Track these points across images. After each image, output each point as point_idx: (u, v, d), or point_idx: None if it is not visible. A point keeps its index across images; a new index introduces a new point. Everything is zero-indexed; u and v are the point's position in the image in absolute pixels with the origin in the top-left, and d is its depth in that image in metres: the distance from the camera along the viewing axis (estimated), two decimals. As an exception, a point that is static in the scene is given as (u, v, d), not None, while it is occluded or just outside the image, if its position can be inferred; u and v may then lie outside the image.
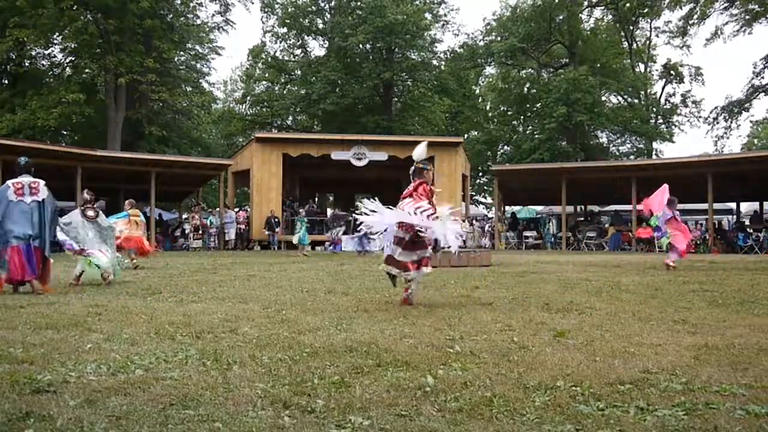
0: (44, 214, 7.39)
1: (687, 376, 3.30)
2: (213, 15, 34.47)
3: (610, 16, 39.29)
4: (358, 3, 35.36)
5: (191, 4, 32.74)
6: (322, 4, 37.49)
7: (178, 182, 26.00)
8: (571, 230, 25.61)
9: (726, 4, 33.05)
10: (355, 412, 2.68)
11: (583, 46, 37.83)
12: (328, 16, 37.65)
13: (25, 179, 7.46)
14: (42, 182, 7.54)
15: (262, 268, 12.26)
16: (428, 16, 36.45)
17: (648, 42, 41.30)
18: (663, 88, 40.54)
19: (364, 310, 5.90)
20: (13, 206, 7.29)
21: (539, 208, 33.41)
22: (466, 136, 39.87)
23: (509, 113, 42.41)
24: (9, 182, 7.54)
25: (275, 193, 23.52)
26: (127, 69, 27.04)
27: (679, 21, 36.90)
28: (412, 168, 6.66)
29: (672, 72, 39.42)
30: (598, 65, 36.91)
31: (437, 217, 6.21)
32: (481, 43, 39.22)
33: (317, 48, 40.99)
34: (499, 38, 38.13)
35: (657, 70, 41.37)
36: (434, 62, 37.64)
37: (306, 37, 39.26)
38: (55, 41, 30.46)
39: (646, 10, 37.71)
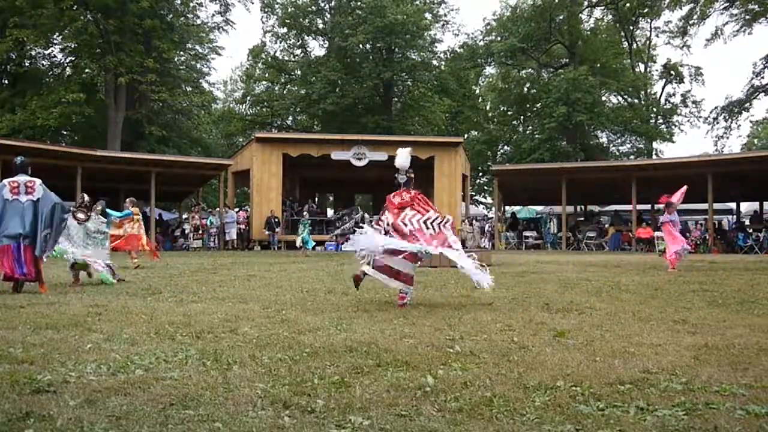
0: (39, 214, 7.36)
1: (687, 376, 3.30)
2: (213, 15, 34.53)
3: (610, 16, 39.28)
4: (358, 3, 35.36)
5: (191, 4, 32.75)
6: (322, 4, 37.49)
7: (178, 182, 25.99)
8: (571, 230, 25.60)
9: (726, 4, 33.06)
10: (355, 412, 2.68)
11: (583, 46, 37.83)
12: (328, 16, 37.65)
13: (22, 178, 7.46)
14: (38, 181, 7.53)
15: (262, 268, 12.26)
16: (428, 16, 36.44)
17: (648, 42, 41.30)
18: (663, 88, 40.57)
19: (364, 310, 5.90)
20: (7, 205, 7.30)
21: (539, 208, 33.42)
22: (466, 136, 39.87)
23: (509, 113, 42.40)
24: (5, 181, 7.55)
25: (275, 193, 23.51)
26: (127, 69, 27.04)
27: (679, 21, 36.96)
28: (403, 177, 6.57)
29: (672, 72, 39.41)
30: (598, 65, 36.90)
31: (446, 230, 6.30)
32: (481, 43, 39.21)
33: (317, 48, 41.10)
34: (499, 38, 38.13)
35: (657, 70, 41.43)
36: (434, 62, 37.63)
37: (306, 37, 39.27)
38: (55, 41, 30.47)
39: (646, 10, 37.70)
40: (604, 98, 38.39)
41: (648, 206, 26.30)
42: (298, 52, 40.07)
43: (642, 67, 40.77)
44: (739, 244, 21.62)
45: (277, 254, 20.02)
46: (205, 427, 2.50)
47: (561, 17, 37.02)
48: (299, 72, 38.44)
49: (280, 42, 39.27)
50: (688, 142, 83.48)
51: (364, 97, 34.88)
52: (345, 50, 34.21)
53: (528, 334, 4.57)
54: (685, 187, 12.14)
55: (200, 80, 35.91)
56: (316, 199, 28.56)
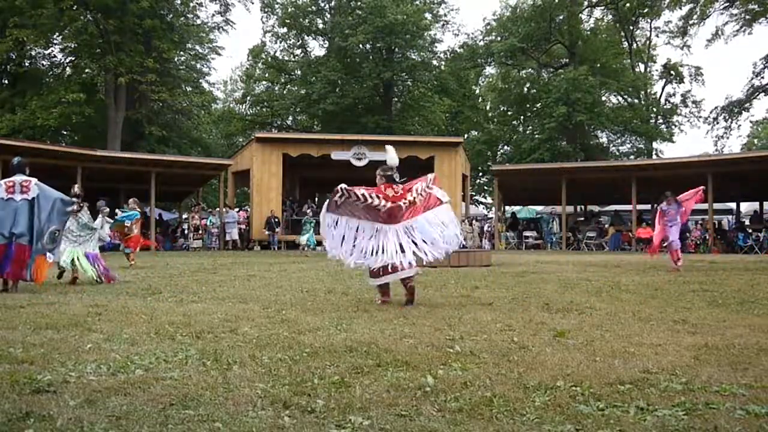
0: (36, 212, 7.37)
1: (687, 376, 3.30)
2: (213, 15, 34.51)
3: (610, 16, 39.28)
4: (358, 3, 35.36)
5: (191, 4, 32.75)
6: (322, 4, 37.49)
7: (178, 182, 25.99)
8: (571, 230, 25.61)
9: (726, 4, 33.06)
10: (355, 412, 2.68)
11: (583, 46, 37.83)
12: (328, 16, 37.66)
13: (18, 178, 7.49)
14: (34, 180, 7.55)
15: (262, 268, 12.26)
16: (428, 16, 36.45)
17: (648, 42, 41.30)
18: (663, 88, 40.58)
19: (364, 310, 5.90)
20: (2, 204, 7.33)
21: (539, 208, 33.42)
22: (466, 136, 39.87)
23: (509, 113, 42.40)
24: (1, 181, 7.60)
25: (275, 193, 23.50)
26: (127, 69, 27.04)
27: (678, 21, 36.97)
28: (391, 174, 6.45)
29: (672, 72, 39.42)
30: (598, 65, 36.91)
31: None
32: (481, 43, 39.21)
33: (317, 48, 41.09)
34: (499, 38, 38.13)
35: (657, 70, 41.43)
36: (434, 62, 37.63)
37: (306, 37, 39.27)
38: (55, 41, 30.47)
39: (646, 10, 37.71)
40: (604, 98, 38.39)
41: (648, 206, 26.29)
42: (298, 52, 40.09)
43: (642, 67, 40.78)
44: (739, 244, 21.62)
45: (277, 254, 20.02)
46: (205, 427, 2.50)
47: (561, 17, 37.03)
48: (299, 72, 38.44)
49: (280, 42, 39.32)
50: (688, 142, 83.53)
51: (364, 97, 34.88)
52: (345, 50, 34.21)
53: (528, 334, 4.57)
54: (700, 188, 12.03)
55: (200, 80, 35.92)
56: (316, 199, 28.51)
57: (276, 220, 22.59)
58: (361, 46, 34.90)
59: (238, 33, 72.52)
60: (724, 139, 39.03)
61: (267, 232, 22.66)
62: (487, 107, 45.44)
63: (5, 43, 26.95)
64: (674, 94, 40.36)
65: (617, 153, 40.03)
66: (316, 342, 4.22)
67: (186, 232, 24.58)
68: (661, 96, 40.37)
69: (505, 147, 41.89)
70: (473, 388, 3.06)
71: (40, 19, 26.46)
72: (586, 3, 38.21)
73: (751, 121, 43.38)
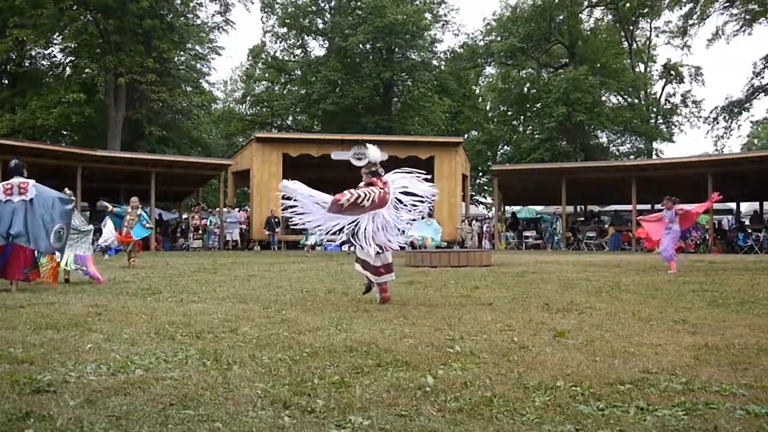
0: (34, 213, 7.44)
1: (687, 376, 3.30)
2: (213, 15, 34.57)
3: (610, 16, 39.30)
4: (358, 3, 35.36)
5: (191, 4, 32.77)
6: (322, 4, 37.50)
7: (178, 182, 25.99)
8: (571, 230, 25.61)
9: (726, 4, 33.06)
10: (355, 412, 2.68)
11: (583, 46, 37.84)
12: (328, 16, 37.66)
13: (15, 180, 7.59)
14: (31, 182, 7.64)
15: (262, 268, 12.26)
16: (428, 16, 36.45)
17: (648, 42, 41.32)
18: (663, 88, 40.60)
19: (364, 310, 5.90)
20: (1, 206, 7.41)
21: (539, 208, 33.43)
22: (466, 136, 39.87)
23: (509, 113, 42.41)
24: (0, 185, 7.69)
25: (275, 193, 23.48)
26: (127, 69, 27.05)
27: (678, 21, 36.96)
28: (376, 170, 6.75)
29: (672, 72, 39.43)
30: (598, 65, 36.91)
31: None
32: (481, 43, 39.22)
33: (317, 48, 41.08)
34: (499, 38, 38.13)
35: (657, 70, 41.46)
36: (434, 62, 37.64)
37: (306, 37, 39.28)
38: (55, 41, 30.49)
39: (646, 10, 37.72)
40: (604, 98, 38.41)
41: (648, 206, 26.29)
42: (298, 52, 40.10)
43: (642, 67, 40.79)
44: (739, 244, 21.62)
45: (277, 254, 20.02)
46: (205, 427, 2.50)
47: (561, 17, 37.03)
48: (299, 72, 38.45)
49: (280, 42, 39.33)
50: (688, 142, 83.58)
51: (364, 97, 34.88)
52: (345, 50, 34.21)
53: (528, 334, 4.57)
54: (715, 196, 11.95)
55: (200, 80, 35.93)
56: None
57: (276, 220, 22.58)
58: (361, 46, 34.89)
59: (238, 33, 72.62)
60: (724, 139, 39.05)
61: (267, 232, 22.65)
62: (487, 107, 45.45)
63: (5, 43, 26.97)
64: (674, 94, 40.45)
65: (617, 153, 40.04)
66: (316, 342, 4.22)
67: (186, 231, 24.56)
68: (661, 96, 40.41)
69: (505, 147, 41.89)
70: (473, 388, 3.06)
71: (40, 19, 26.47)
72: (586, 3, 38.22)
73: (751, 121, 43.44)
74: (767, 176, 21.81)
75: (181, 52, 33.58)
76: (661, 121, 39.23)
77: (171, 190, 27.84)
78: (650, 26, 40.50)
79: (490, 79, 45.27)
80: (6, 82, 31.16)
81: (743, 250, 21.21)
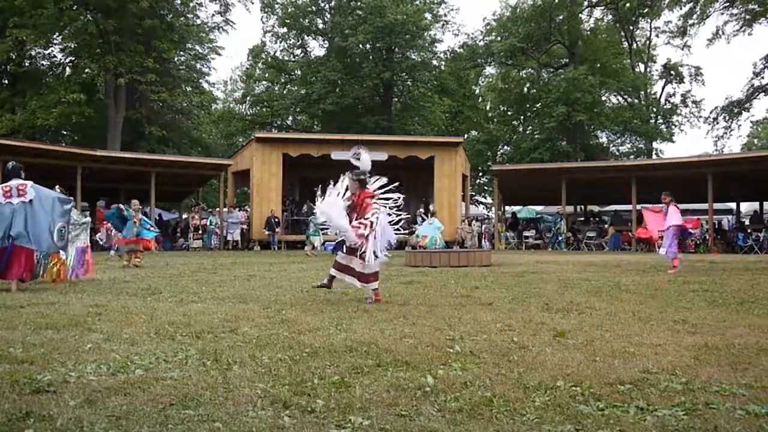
0: (34, 214, 7.54)
1: (687, 376, 3.30)
2: (213, 15, 34.54)
3: (610, 16, 39.31)
4: (358, 3, 35.36)
5: (191, 4, 32.76)
6: (322, 4, 37.49)
7: (178, 182, 25.99)
8: (571, 230, 25.60)
9: (726, 4, 33.06)
10: (355, 412, 2.68)
11: (583, 46, 37.85)
12: (328, 16, 37.66)
13: (14, 182, 7.68)
14: (29, 183, 7.74)
15: (262, 268, 12.26)
16: (428, 16, 36.44)
17: (648, 42, 41.32)
18: (663, 88, 40.61)
19: (364, 310, 5.91)
20: (1, 209, 7.51)
21: (539, 208, 33.43)
22: (466, 136, 39.87)
23: (509, 113, 42.42)
24: None
25: (275, 193, 23.49)
26: (127, 69, 27.04)
27: (678, 20, 36.97)
28: (365, 178, 6.75)
29: (672, 72, 39.44)
30: (598, 65, 36.92)
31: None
32: (481, 43, 39.23)
33: (317, 48, 41.04)
34: (499, 38, 38.14)
35: (657, 70, 41.46)
36: (434, 62, 37.65)
37: (306, 37, 39.28)
38: (55, 41, 30.47)
39: (646, 10, 37.72)
40: (604, 98, 38.43)
41: (645, 217, 26.30)
42: (298, 52, 40.10)
43: (642, 67, 40.79)
44: (739, 244, 21.62)
45: (277, 254, 20.02)
46: (205, 427, 2.50)
47: (561, 17, 37.04)
48: (299, 72, 38.45)
49: (280, 42, 39.33)
50: (688, 142, 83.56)
51: (364, 97, 34.88)
52: (345, 50, 34.20)
53: (528, 334, 4.57)
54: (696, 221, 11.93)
55: (200, 80, 35.90)
56: (316, 199, 28.53)
57: (276, 220, 22.58)
58: (361, 46, 34.89)
59: (238, 33, 72.63)
60: (724, 139, 39.08)
61: (267, 232, 22.65)
62: (487, 107, 45.44)
63: (5, 43, 26.97)
64: (674, 94, 40.47)
65: (617, 153, 40.04)
66: (316, 342, 4.22)
67: (186, 231, 24.56)
68: (661, 96, 40.42)
69: (505, 147, 41.90)
70: (473, 388, 3.06)
71: (40, 19, 26.46)
72: (586, 3, 38.22)
73: (751, 121, 43.43)
74: (767, 176, 21.80)
75: (181, 52, 33.57)
76: (661, 121, 39.23)
77: (171, 190, 27.83)
78: (650, 26, 40.56)
79: (490, 79, 45.27)
80: (6, 82, 31.16)
81: (743, 250, 21.21)
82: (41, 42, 28.59)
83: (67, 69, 32.34)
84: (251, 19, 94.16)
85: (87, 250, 9.07)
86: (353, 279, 6.55)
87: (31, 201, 7.57)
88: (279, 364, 3.57)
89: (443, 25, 38.14)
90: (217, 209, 25.79)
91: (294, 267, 12.56)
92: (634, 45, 40.22)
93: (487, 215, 37.59)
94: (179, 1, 31.96)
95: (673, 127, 39.61)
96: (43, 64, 32.47)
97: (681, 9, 35.58)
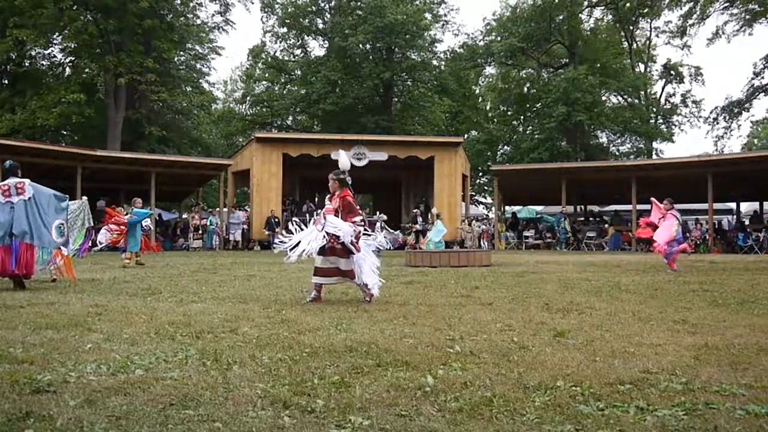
0: (36, 211, 7.64)
1: (687, 376, 3.30)
2: (213, 15, 34.49)
3: (610, 16, 39.28)
4: (358, 3, 35.35)
5: (191, 4, 32.73)
6: (322, 4, 37.48)
7: (178, 182, 25.99)
8: (571, 230, 25.58)
9: (726, 4, 33.05)
10: (355, 412, 2.68)
11: (583, 46, 37.83)
12: (328, 16, 37.65)
13: (11, 181, 7.75)
14: (27, 181, 7.83)
15: (262, 268, 12.26)
16: (428, 16, 36.41)
17: (648, 42, 41.30)
18: (663, 88, 40.59)
19: (364, 310, 5.91)
20: (0, 207, 7.57)
21: (539, 208, 33.42)
22: (466, 136, 39.85)
23: (509, 113, 42.39)
24: None
25: (275, 193, 23.50)
26: (127, 69, 27.03)
27: (678, 20, 36.95)
28: (344, 177, 6.91)
29: (672, 72, 39.43)
30: (598, 65, 36.90)
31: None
32: (481, 43, 39.20)
33: (317, 48, 41.02)
34: (499, 38, 38.12)
35: (657, 70, 41.43)
36: (434, 62, 37.61)
37: (306, 37, 39.25)
38: (55, 41, 30.45)
39: (646, 10, 37.71)
40: (604, 98, 38.40)
41: (648, 206, 26.28)
42: (298, 52, 40.07)
43: (642, 67, 40.76)
44: (739, 244, 21.62)
45: (277, 254, 19.99)
46: (205, 427, 2.50)
47: (561, 17, 37.01)
48: (299, 72, 38.43)
49: (280, 42, 39.29)
50: (688, 142, 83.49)
51: (364, 97, 34.87)
52: (345, 50, 34.19)
53: (528, 334, 4.57)
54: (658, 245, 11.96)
55: (200, 80, 35.88)
56: (316, 199, 28.49)
57: (276, 220, 22.58)
58: (361, 46, 34.87)
59: (238, 33, 72.48)
60: (724, 139, 39.03)
61: (267, 232, 22.65)
62: (487, 107, 45.42)
63: (5, 43, 26.95)
64: (674, 94, 40.44)
65: (617, 153, 40.01)
66: (316, 342, 4.22)
67: (186, 231, 24.56)
68: (661, 96, 40.40)
69: (505, 147, 41.88)
70: (473, 388, 3.06)
71: (40, 19, 26.45)
72: (586, 3, 38.20)
73: (751, 121, 43.40)
74: (767, 176, 21.80)
75: (181, 52, 33.55)
76: (661, 121, 39.22)
77: (171, 190, 27.83)
78: (650, 26, 40.52)
79: (490, 79, 45.24)
80: (6, 82, 31.12)
81: (743, 250, 21.21)
82: (41, 42, 28.58)
83: (67, 69, 32.33)
84: (251, 19, 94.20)
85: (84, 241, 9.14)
86: (340, 278, 6.61)
87: (30, 199, 7.65)
88: (279, 364, 3.57)
89: (443, 25, 38.13)
90: (217, 209, 25.77)
91: (294, 267, 12.53)
92: (634, 45, 40.20)
93: (487, 215, 37.59)
94: (179, 1, 31.94)
95: (673, 127, 39.62)
96: (43, 64, 32.45)
97: (681, 9, 35.58)
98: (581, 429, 2.52)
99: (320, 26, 38.27)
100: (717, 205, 25.54)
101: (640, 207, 25.00)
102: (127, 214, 12.93)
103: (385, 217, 18.79)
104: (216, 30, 34.54)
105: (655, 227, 11.69)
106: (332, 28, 36.02)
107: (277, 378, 3.25)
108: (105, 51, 27.64)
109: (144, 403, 2.77)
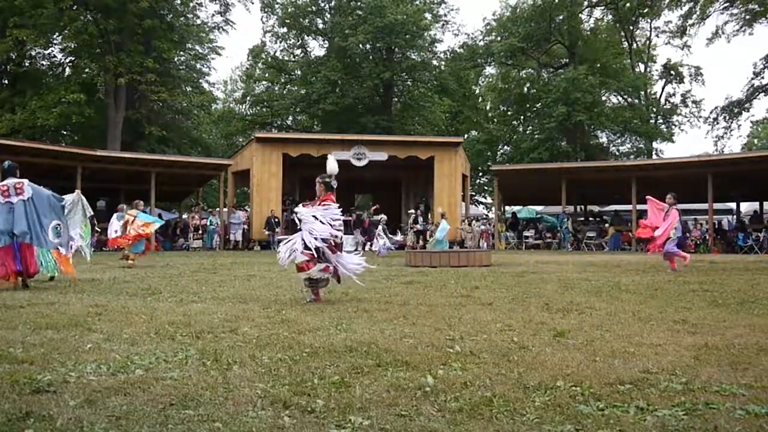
0: (34, 211, 7.70)
1: (687, 376, 3.30)
2: (213, 15, 34.53)
3: (610, 16, 39.30)
4: (358, 3, 35.36)
5: (191, 4, 32.74)
6: (322, 4, 37.48)
7: (178, 182, 25.99)
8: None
9: (726, 4, 33.06)
10: (355, 412, 2.68)
11: (583, 46, 37.84)
12: (328, 16, 37.65)
13: (10, 181, 7.80)
14: (26, 181, 7.89)
15: (262, 268, 12.26)
16: (428, 16, 36.43)
17: (648, 42, 41.31)
18: (663, 88, 40.60)
19: (364, 310, 5.90)
20: (1, 208, 7.62)
21: (539, 208, 33.42)
22: (466, 136, 39.86)
23: (509, 113, 42.40)
24: None
25: (275, 193, 23.50)
26: (127, 69, 27.04)
27: (678, 20, 36.96)
28: (329, 181, 7.04)
29: (672, 72, 39.43)
30: (598, 65, 36.92)
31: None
32: (481, 43, 39.22)
33: (317, 48, 41.09)
34: (499, 38, 38.13)
35: (657, 70, 41.45)
36: (434, 62, 37.63)
37: (306, 37, 39.27)
38: (55, 41, 30.47)
39: (646, 10, 37.72)
40: (604, 98, 38.41)
41: (648, 206, 26.27)
42: (298, 52, 40.09)
43: (642, 67, 40.77)
44: (739, 244, 21.61)
45: (277, 254, 19.97)
46: (205, 427, 2.50)
47: (561, 17, 37.02)
48: (299, 72, 38.44)
49: (280, 42, 39.31)
50: (688, 142, 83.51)
51: (364, 97, 34.87)
52: (345, 50, 34.20)
53: (528, 334, 4.57)
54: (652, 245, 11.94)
55: (200, 80, 35.89)
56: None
57: (276, 220, 22.58)
58: (361, 46, 34.88)
59: (238, 33, 72.53)
60: (724, 139, 39.06)
61: (267, 232, 22.65)
62: (487, 107, 45.43)
63: (5, 43, 26.95)
64: (674, 94, 40.46)
65: (617, 153, 40.02)
66: (316, 342, 4.22)
67: (186, 231, 24.56)
68: (661, 96, 40.41)
69: (505, 147, 41.88)
70: (473, 388, 3.06)
71: (40, 19, 26.45)
72: (586, 3, 38.21)
73: (751, 121, 43.42)
74: (767, 176, 21.80)
75: (181, 52, 33.56)
76: (661, 121, 39.23)
77: (171, 190, 27.82)
78: (650, 26, 40.55)
79: (490, 79, 45.25)
80: (6, 82, 31.13)
81: (743, 250, 21.20)
82: (41, 42, 28.59)
83: (67, 69, 32.34)
84: (251, 19, 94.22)
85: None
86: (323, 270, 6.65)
87: (29, 199, 7.71)
88: (279, 364, 3.57)
89: (443, 25, 38.15)
90: (217, 209, 25.75)
91: (294, 267, 12.54)
92: (634, 45, 40.21)
93: (487, 215, 37.58)
94: (179, 1, 31.94)
95: (673, 127, 39.64)
96: (43, 64, 32.46)
97: (681, 9, 35.61)
98: (581, 429, 2.52)
99: (320, 26, 38.28)
100: (717, 205, 25.54)
101: (640, 207, 25.00)
102: (134, 219, 12.94)
103: (385, 218, 18.83)
104: (216, 30, 34.60)
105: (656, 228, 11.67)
106: (332, 28, 36.02)
107: (277, 378, 3.25)
108: (105, 51, 27.64)
109: (144, 403, 2.77)
